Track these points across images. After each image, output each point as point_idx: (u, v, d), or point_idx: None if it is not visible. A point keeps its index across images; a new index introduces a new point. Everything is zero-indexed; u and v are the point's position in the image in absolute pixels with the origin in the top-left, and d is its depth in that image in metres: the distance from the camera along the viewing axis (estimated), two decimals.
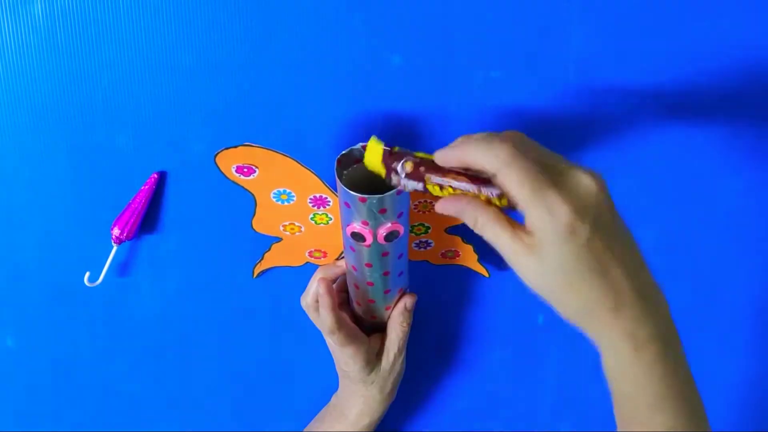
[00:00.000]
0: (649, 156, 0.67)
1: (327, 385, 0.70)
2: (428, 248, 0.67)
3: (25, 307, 0.71)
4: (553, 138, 0.66)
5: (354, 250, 0.58)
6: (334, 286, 0.64)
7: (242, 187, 0.61)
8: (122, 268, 0.69)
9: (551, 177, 0.43)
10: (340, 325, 0.62)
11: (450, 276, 0.70)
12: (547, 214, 0.43)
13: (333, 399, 0.70)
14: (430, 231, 0.65)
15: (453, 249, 0.67)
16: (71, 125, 0.65)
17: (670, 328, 0.48)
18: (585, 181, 0.44)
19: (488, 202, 0.47)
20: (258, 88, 0.64)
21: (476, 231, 0.48)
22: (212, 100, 0.65)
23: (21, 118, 0.65)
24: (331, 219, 0.62)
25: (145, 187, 0.66)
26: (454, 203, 0.48)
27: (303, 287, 0.65)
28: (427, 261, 0.69)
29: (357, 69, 0.64)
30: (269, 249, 0.67)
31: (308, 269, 0.66)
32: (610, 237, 0.45)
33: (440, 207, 0.49)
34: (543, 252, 0.44)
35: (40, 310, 0.71)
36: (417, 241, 0.66)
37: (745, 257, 0.71)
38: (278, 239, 0.66)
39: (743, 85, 0.65)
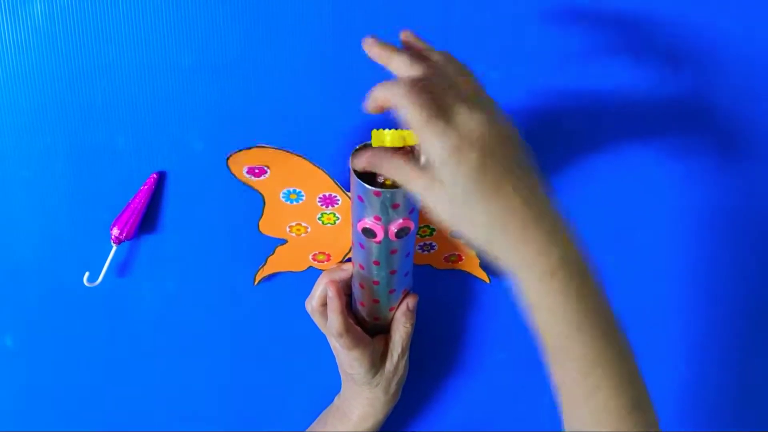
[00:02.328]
0: (649, 156, 0.67)
1: (329, 386, 0.70)
2: (432, 251, 0.67)
3: (25, 307, 0.71)
4: (553, 138, 0.66)
5: (363, 248, 0.58)
6: None
7: (252, 188, 0.61)
8: (122, 268, 0.69)
9: (443, 112, 0.47)
10: (347, 328, 0.62)
11: (452, 280, 0.70)
12: (437, 139, 0.46)
13: (336, 400, 0.70)
14: (435, 233, 0.66)
15: (456, 253, 0.68)
16: (71, 125, 0.65)
17: (580, 256, 0.49)
18: (474, 116, 0.47)
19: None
20: (258, 89, 0.64)
21: (391, 176, 0.51)
22: (211, 101, 0.65)
23: (21, 118, 0.65)
24: (338, 219, 0.62)
25: (145, 187, 0.66)
26: (372, 155, 0.52)
27: (304, 289, 0.65)
28: (429, 265, 0.69)
29: (357, 70, 0.64)
30: (273, 253, 0.66)
31: (310, 273, 0.66)
32: (501, 163, 0.48)
33: (359, 163, 0.53)
34: (444, 179, 0.47)
35: (40, 310, 0.71)
36: (421, 244, 0.66)
37: (745, 257, 0.71)
38: (283, 241, 0.66)
39: (744, 84, 0.66)
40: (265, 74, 0.64)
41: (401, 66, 0.49)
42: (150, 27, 0.63)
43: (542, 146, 0.66)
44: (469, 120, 0.47)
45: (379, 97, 0.49)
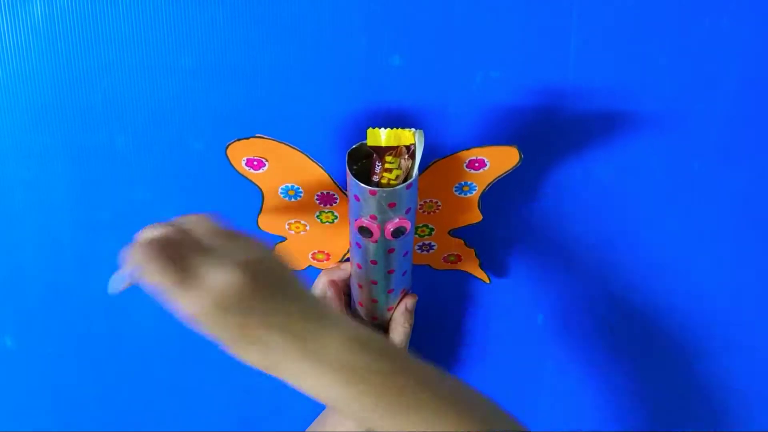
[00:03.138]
0: (648, 156, 0.67)
1: None
2: (431, 251, 0.67)
3: (25, 307, 0.71)
4: (553, 138, 0.66)
5: (360, 247, 0.58)
6: None
7: (251, 181, 0.61)
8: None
9: (187, 272, 0.45)
10: None
11: (452, 280, 0.70)
12: (186, 301, 0.45)
13: None
14: (434, 233, 0.65)
15: (455, 253, 0.67)
16: (71, 125, 0.65)
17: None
18: (222, 270, 0.45)
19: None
20: (256, 89, 0.64)
21: (152, 280, 0.47)
22: (211, 101, 0.65)
23: (21, 118, 0.65)
24: (336, 217, 0.62)
25: None
26: (135, 254, 0.47)
27: None
28: (428, 265, 0.69)
29: (357, 70, 0.64)
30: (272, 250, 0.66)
31: (309, 273, 0.66)
32: (263, 307, 0.47)
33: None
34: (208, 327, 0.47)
35: (40, 310, 0.71)
36: (420, 243, 0.66)
37: (746, 256, 0.71)
38: (282, 239, 0.66)
39: (744, 83, 0.65)
40: (264, 74, 0.64)
41: (144, 233, 0.48)
42: (150, 27, 0.63)
43: (542, 146, 0.66)
44: (215, 276, 0.45)
45: (126, 267, 0.46)
